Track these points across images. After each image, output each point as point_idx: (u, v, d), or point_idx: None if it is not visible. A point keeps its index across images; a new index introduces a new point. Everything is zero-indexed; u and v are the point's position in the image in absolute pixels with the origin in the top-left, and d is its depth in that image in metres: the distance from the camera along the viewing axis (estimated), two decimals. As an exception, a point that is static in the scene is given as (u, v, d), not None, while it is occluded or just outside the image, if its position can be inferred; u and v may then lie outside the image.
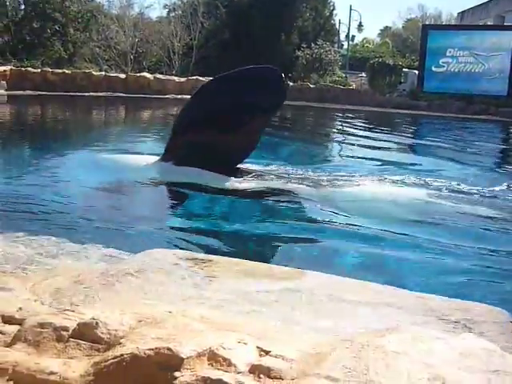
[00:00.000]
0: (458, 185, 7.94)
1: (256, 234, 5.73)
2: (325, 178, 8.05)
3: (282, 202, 7.04)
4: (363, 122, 20.85)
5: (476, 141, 16.13)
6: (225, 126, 7.74)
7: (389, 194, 7.12)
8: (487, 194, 7.62)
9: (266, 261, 4.30)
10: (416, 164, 10.78)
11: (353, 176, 8.36)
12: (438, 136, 16.85)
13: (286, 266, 3.71)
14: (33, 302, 2.85)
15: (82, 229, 5.50)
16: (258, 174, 8.16)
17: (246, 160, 8.54)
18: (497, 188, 7.98)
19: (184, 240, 5.38)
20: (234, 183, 7.67)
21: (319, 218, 6.40)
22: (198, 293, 2.89)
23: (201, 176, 7.57)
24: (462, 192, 7.55)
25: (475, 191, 7.68)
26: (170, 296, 2.86)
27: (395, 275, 4.70)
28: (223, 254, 4.55)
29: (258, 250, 5.44)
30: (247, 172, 8.21)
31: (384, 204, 6.77)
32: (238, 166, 8.30)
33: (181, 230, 5.87)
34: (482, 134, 18.53)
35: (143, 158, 8.79)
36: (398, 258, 5.17)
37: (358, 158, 11.73)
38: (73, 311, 2.34)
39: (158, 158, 8.37)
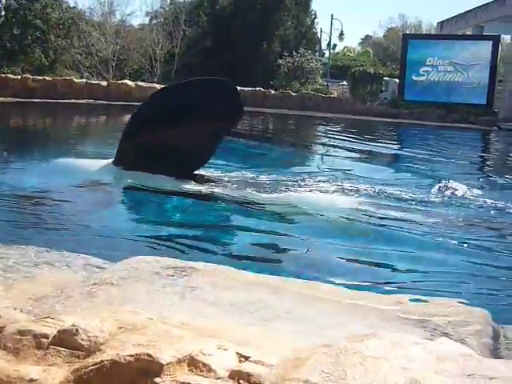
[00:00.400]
0: (397, 192, 8.13)
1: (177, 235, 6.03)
2: (270, 183, 8.41)
3: (219, 204, 7.46)
4: (341, 130, 21.01)
5: (449, 148, 16.40)
6: (172, 133, 7.95)
7: (319, 200, 7.41)
8: (418, 200, 7.79)
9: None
10: (373, 172, 10.87)
11: (301, 182, 8.61)
12: (412, 144, 17.17)
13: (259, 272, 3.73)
14: (12, 310, 2.83)
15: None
16: (209, 179, 8.44)
17: (213, 166, 8.96)
18: (433, 196, 8.10)
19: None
20: (180, 187, 7.90)
21: (234, 220, 7.01)
22: (178, 300, 2.90)
23: (148, 180, 7.79)
24: (396, 199, 7.68)
25: (408, 198, 7.85)
26: (151, 304, 2.86)
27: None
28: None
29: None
30: (200, 177, 8.48)
31: (305, 209, 7.10)
32: (196, 171, 8.57)
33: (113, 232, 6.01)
34: (457, 141, 18.78)
35: (96, 162, 8.87)
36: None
37: (325, 165, 12.00)
38: (53, 318, 2.33)
39: (109, 161, 8.50)
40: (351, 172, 10.62)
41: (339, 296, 3.15)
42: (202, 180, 8.36)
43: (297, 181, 8.69)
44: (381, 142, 17.11)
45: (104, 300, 2.93)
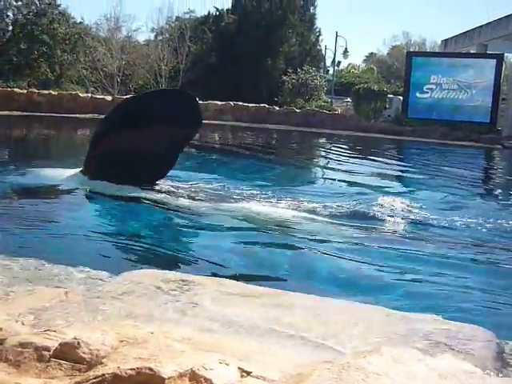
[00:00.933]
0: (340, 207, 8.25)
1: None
2: (228, 195, 8.72)
3: (171, 212, 7.80)
4: (340, 146, 21.08)
5: (446, 166, 16.51)
6: (133, 142, 8.15)
7: (257, 212, 7.66)
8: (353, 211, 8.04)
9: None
10: (338, 189, 11.14)
11: (258, 195, 8.82)
12: (409, 161, 17.33)
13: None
14: (14, 323, 2.83)
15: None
16: (169, 189, 8.69)
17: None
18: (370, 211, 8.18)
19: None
20: (139, 194, 8.18)
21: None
22: (180, 314, 2.89)
23: (109, 188, 8.08)
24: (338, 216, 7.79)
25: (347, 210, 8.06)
26: (154, 318, 2.85)
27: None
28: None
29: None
30: (160, 188, 8.74)
31: (240, 218, 7.39)
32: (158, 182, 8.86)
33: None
34: (457, 159, 18.88)
35: (67, 171, 9.10)
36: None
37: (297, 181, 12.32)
38: (54, 331, 2.33)
39: (77, 170, 8.82)
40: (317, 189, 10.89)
41: (341, 308, 3.14)
42: (162, 190, 8.65)
43: (255, 194, 8.87)
44: (371, 159, 17.04)
45: (106, 314, 2.92)
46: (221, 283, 3.45)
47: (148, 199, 8.10)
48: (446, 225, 7.60)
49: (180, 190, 8.70)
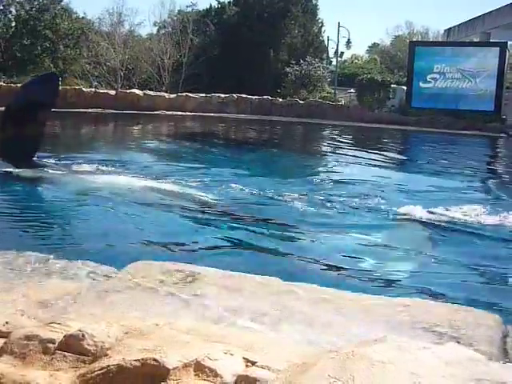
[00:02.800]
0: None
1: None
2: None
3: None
4: (342, 136, 21.06)
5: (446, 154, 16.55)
6: (18, 122, 9.09)
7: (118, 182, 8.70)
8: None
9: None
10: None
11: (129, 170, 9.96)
12: (397, 149, 17.40)
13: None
14: (19, 316, 2.84)
15: None
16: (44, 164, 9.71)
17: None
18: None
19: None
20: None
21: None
22: (184, 306, 2.90)
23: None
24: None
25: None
26: (158, 310, 2.86)
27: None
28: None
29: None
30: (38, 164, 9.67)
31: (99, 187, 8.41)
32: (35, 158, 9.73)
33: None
34: (460, 148, 18.94)
35: None
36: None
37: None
38: (59, 324, 2.33)
39: None
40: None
41: (343, 298, 3.13)
42: (38, 165, 9.58)
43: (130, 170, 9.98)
44: (370, 150, 16.83)
45: (110, 305, 2.93)
46: (229, 274, 3.45)
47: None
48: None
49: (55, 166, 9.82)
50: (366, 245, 6.18)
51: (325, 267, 5.32)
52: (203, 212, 7.45)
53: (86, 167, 10.00)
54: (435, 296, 4.47)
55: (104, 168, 10.02)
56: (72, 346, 2.16)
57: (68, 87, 27.27)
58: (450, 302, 3.80)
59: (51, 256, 4.59)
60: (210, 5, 37.12)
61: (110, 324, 2.28)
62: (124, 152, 13.97)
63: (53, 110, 10.49)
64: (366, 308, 3.03)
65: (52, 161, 10.26)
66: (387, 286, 4.93)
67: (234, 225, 6.81)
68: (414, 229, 7.00)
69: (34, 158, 9.69)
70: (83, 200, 7.84)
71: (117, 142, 17.20)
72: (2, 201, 7.90)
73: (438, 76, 26.26)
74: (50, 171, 9.37)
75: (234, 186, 8.87)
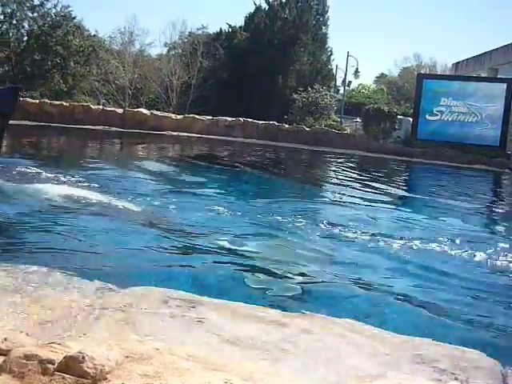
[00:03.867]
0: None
1: None
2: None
3: None
4: (345, 165, 21.03)
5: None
6: None
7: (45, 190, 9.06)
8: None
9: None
10: None
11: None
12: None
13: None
14: (18, 333, 2.82)
15: None
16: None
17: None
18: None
19: None
20: None
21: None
22: (185, 332, 2.88)
23: None
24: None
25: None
26: (159, 334, 2.84)
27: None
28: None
29: None
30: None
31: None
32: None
33: None
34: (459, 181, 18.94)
35: None
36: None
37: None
38: (59, 344, 2.32)
39: None
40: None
41: (347, 329, 3.11)
42: None
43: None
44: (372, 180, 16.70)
45: (111, 326, 2.91)
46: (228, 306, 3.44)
47: None
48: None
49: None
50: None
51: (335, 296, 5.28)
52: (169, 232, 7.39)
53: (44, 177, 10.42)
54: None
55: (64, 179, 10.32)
56: (72, 367, 2.15)
57: (76, 103, 27.45)
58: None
59: (55, 270, 4.58)
60: (221, 29, 37.50)
61: (110, 347, 2.26)
62: (113, 168, 13.90)
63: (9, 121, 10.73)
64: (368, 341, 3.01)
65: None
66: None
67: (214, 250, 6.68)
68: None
69: None
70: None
71: (112, 159, 17.18)
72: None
73: (444, 109, 26.36)
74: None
75: (219, 208, 8.72)
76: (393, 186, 15.78)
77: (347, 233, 7.88)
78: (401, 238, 7.72)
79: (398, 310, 5.15)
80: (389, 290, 5.71)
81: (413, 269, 6.48)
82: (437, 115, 26.49)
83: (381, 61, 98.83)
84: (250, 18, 36.21)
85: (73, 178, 10.56)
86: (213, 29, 38.56)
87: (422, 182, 19.31)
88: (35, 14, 33.11)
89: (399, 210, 11.42)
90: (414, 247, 7.32)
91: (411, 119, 27.35)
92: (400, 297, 5.51)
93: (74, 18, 34.34)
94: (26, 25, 33.28)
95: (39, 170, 11.03)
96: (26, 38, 33.54)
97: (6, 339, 2.50)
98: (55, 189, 9.20)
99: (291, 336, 2.94)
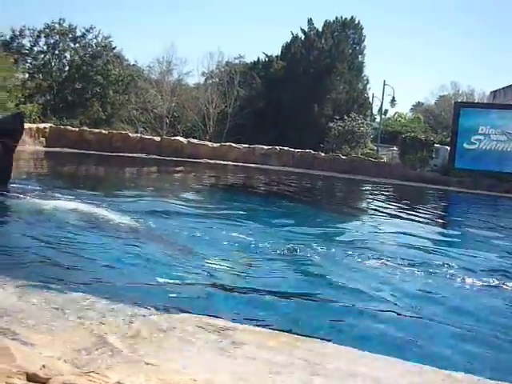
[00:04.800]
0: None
1: None
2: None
3: None
4: (380, 194, 20.79)
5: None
6: None
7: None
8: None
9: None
10: None
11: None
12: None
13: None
14: (56, 360, 2.84)
15: None
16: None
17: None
18: None
19: None
20: None
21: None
22: (222, 362, 2.86)
23: None
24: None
25: None
26: (195, 363, 2.83)
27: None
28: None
29: None
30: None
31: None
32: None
33: None
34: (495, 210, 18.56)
35: None
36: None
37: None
38: (97, 373, 2.32)
39: None
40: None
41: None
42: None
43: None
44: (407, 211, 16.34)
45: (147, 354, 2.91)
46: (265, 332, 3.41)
47: None
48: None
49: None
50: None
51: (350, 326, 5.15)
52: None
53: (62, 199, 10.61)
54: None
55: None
56: (110, 397, 2.15)
57: (114, 131, 27.93)
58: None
59: (90, 296, 4.61)
60: (258, 58, 37.95)
61: (148, 377, 2.26)
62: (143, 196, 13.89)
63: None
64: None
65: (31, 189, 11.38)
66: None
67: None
68: None
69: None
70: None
71: (145, 186, 17.22)
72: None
73: (482, 138, 26.05)
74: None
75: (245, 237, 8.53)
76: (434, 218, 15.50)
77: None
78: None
79: None
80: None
81: None
82: (475, 144, 26.17)
83: (417, 89, 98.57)
84: (286, 48, 36.58)
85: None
86: (250, 58, 39.10)
87: (460, 213, 18.94)
88: (77, 45, 34.08)
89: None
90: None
91: (448, 148, 27.06)
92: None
93: (114, 48, 35.24)
94: (67, 55, 34.25)
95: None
96: (67, 68, 34.48)
97: (44, 366, 2.51)
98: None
99: (324, 362, 2.89)
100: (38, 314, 3.89)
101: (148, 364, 2.68)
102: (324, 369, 2.91)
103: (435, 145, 27.85)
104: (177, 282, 6.01)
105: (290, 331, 4.01)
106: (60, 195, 10.88)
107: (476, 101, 48.33)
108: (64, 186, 13.07)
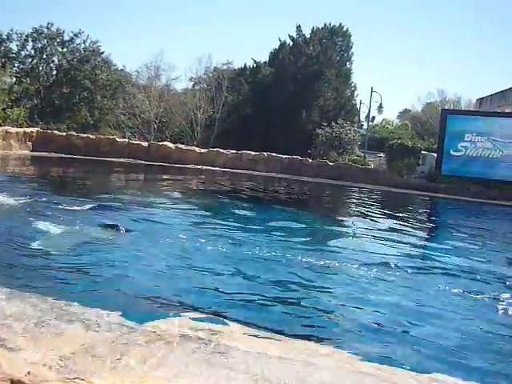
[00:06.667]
0: None
1: None
2: None
3: None
4: (367, 200, 20.88)
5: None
6: None
7: None
8: None
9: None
10: None
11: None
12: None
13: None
14: (41, 367, 2.83)
15: None
16: None
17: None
18: None
19: None
20: None
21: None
22: (208, 369, 2.86)
23: None
24: None
25: None
26: (180, 370, 2.83)
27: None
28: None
29: None
30: None
31: None
32: None
33: None
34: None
35: None
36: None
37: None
38: (82, 379, 2.32)
39: None
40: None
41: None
42: None
43: None
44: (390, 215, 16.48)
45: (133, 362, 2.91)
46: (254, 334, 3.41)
47: None
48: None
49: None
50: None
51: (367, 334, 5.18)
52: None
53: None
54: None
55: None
56: (94, 404, 2.14)
57: (102, 136, 27.84)
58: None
59: (74, 303, 4.60)
60: (245, 64, 38.01)
61: (133, 384, 2.26)
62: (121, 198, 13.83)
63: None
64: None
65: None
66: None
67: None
68: None
69: None
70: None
71: (123, 190, 17.17)
72: None
73: (468, 144, 26.22)
74: None
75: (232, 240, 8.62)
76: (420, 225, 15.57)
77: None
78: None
79: None
80: None
81: None
82: (461, 151, 26.34)
83: (404, 96, 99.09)
84: (274, 54, 36.70)
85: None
86: (238, 64, 39.15)
87: (448, 219, 19.01)
88: (65, 49, 33.96)
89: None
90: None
91: (435, 154, 27.22)
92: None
93: (102, 52, 35.15)
94: (55, 59, 34.12)
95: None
96: (55, 72, 34.35)
97: (29, 373, 2.51)
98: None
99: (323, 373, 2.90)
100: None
101: (133, 370, 2.68)
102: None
103: (422, 151, 28.00)
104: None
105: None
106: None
107: (463, 108, 48.69)
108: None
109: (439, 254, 10.01)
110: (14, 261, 6.52)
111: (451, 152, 26.41)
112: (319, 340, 4.56)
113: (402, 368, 3.69)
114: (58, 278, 6.17)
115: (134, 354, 3.05)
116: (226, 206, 14.99)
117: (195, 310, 5.42)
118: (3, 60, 31.13)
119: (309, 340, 3.92)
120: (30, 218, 9.22)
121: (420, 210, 20.46)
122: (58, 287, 5.76)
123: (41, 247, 7.51)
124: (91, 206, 11.05)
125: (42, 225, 8.76)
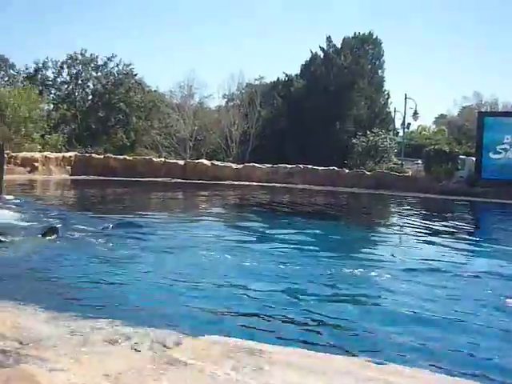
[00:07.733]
0: None
1: None
2: None
3: None
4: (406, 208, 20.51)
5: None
6: None
7: None
8: None
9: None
10: None
11: None
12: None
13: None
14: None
15: None
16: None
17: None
18: None
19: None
20: None
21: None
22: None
23: None
24: None
25: None
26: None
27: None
28: None
29: None
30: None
31: None
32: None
33: None
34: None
35: None
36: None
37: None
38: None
39: None
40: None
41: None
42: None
43: None
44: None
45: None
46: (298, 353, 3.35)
47: None
48: None
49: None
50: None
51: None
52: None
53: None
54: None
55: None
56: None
57: (138, 157, 28.20)
58: None
59: (117, 323, 4.58)
60: (278, 78, 38.15)
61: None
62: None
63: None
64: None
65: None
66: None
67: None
68: None
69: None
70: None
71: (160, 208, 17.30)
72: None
73: (508, 146, 25.71)
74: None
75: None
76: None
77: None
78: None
79: None
80: None
81: None
82: (500, 153, 25.82)
83: (439, 101, 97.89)
84: (306, 66, 36.76)
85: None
86: (270, 78, 39.34)
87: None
88: (99, 74, 34.66)
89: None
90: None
91: (474, 158, 26.73)
92: None
93: (136, 74, 35.74)
94: (90, 84, 34.84)
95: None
96: (90, 97, 35.07)
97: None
98: None
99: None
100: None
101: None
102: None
103: (460, 156, 27.55)
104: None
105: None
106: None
107: (500, 110, 47.77)
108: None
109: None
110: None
111: (490, 155, 25.90)
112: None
113: None
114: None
115: (175, 374, 3.02)
116: (280, 222, 14.61)
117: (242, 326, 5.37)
118: (40, 88, 31.89)
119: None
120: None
121: (470, 216, 19.95)
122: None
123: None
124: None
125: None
